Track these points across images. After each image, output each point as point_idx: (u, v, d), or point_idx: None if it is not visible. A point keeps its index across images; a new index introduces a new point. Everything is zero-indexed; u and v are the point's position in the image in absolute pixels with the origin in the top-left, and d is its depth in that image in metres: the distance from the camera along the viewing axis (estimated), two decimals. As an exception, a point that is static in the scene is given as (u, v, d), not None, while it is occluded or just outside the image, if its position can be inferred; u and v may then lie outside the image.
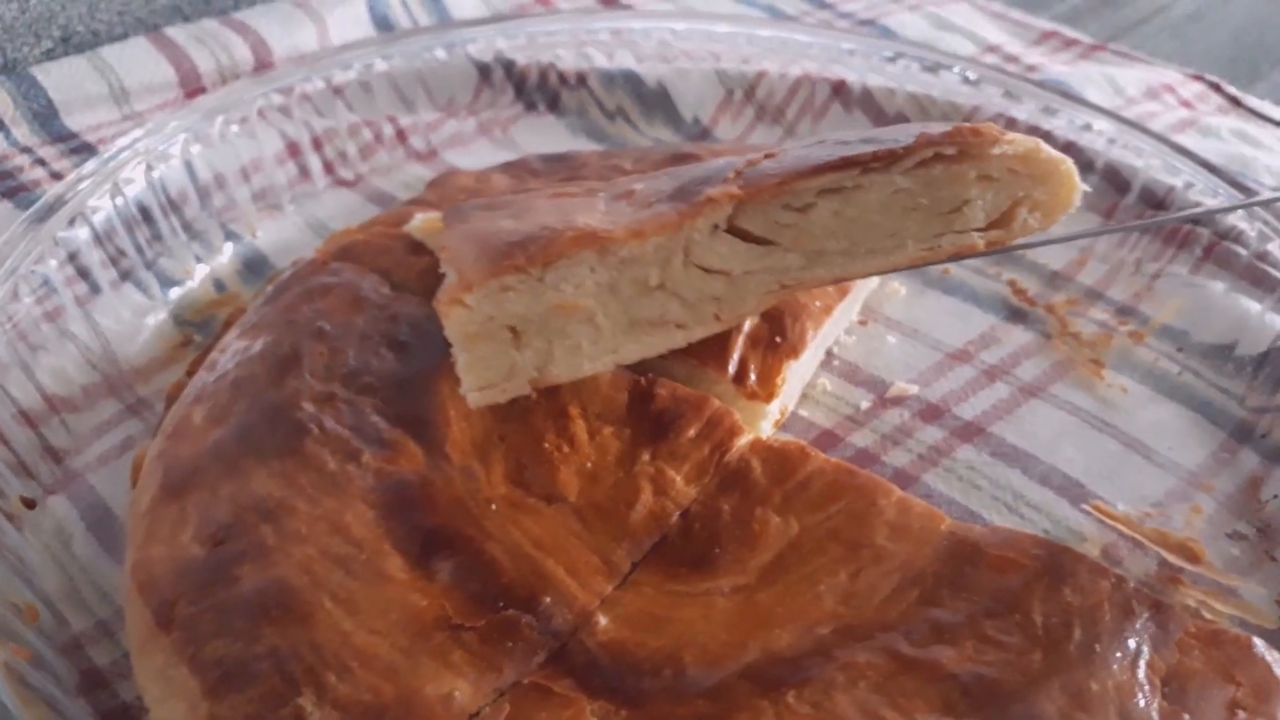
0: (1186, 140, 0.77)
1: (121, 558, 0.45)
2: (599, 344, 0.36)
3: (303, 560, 0.38)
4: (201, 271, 0.59)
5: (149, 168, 0.56)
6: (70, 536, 0.46)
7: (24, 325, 0.49)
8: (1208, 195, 0.59)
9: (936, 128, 0.38)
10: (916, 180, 0.37)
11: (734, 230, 0.36)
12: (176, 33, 0.78)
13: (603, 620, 0.38)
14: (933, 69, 0.68)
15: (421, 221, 0.55)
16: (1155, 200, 0.62)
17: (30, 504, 0.45)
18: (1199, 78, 0.85)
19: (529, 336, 0.35)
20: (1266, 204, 0.53)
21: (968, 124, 0.38)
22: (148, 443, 0.49)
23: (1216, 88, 0.84)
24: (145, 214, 0.57)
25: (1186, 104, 0.82)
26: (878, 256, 0.37)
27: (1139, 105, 0.81)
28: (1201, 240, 0.60)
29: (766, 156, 0.40)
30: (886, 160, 0.36)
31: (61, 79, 0.73)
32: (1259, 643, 0.39)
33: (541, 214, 0.39)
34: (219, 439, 0.43)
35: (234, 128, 0.61)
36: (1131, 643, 0.38)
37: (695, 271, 0.36)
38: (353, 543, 0.39)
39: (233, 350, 0.48)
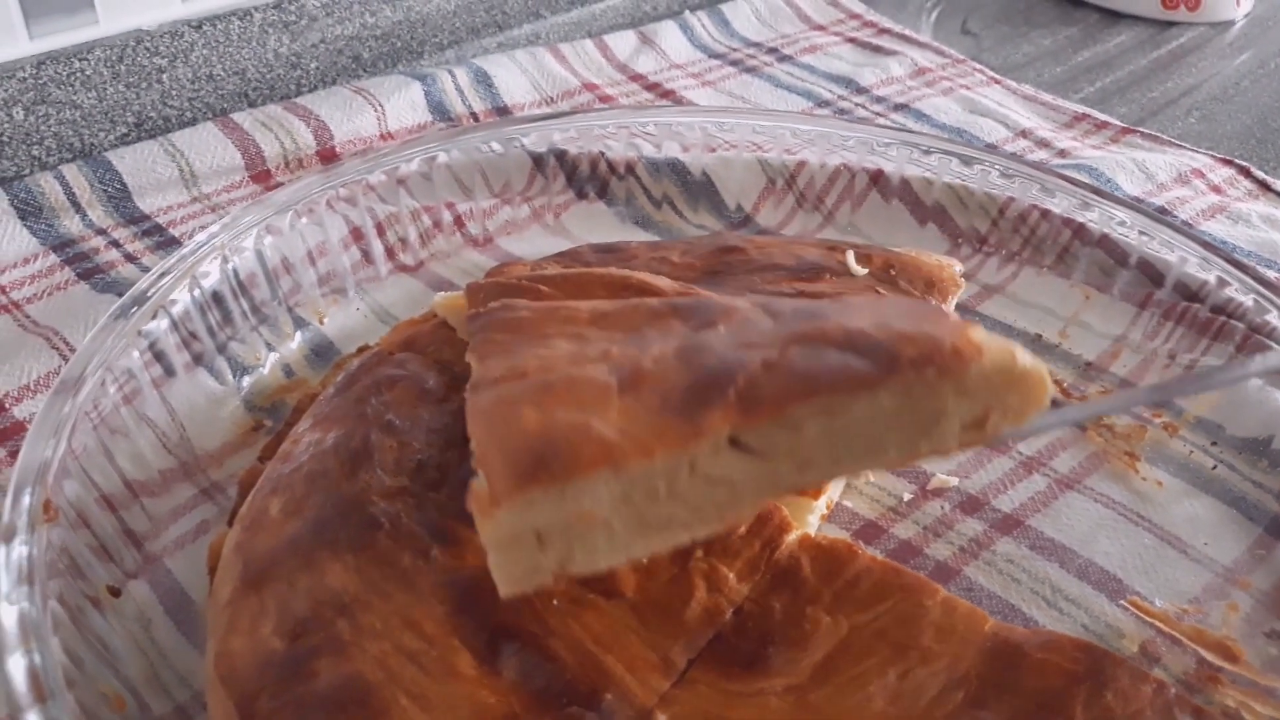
0: (1216, 227, 0.79)
1: (197, 642, 0.48)
2: (614, 545, 0.39)
3: (378, 655, 0.40)
4: (271, 358, 0.62)
5: (224, 260, 0.59)
6: (150, 622, 0.48)
7: (109, 415, 0.51)
8: (1242, 293, 0.61)
9: (910, 339, 0.40)
10: (898, 397, 0.39)
11: (734, 442, 0.39)
12: (243, 118, 0.82)
13: (662, 718, 0.40)
14: (968, 162, 0.71)
15: (444, 299, 0.57)
16: (1189, 293, 0.64)
17: (116, 593, 0.47)
18: (1228, 162, 0.87)
19: (552, 540, 0.38)
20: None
21: (948, 341, 0.40)
22: (223, 529, 0.51)
23: (1246, 172, 0.86)
24: (219, 300, 0.60)
25: (1216, 189, 0.84)
26: (862, 461, 0.41)
27: (1169, 191, 0.83)
28: (1236, 334, 0.62)
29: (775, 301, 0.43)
30: (873, 384, 0.39)
31: (135, 163, 0.77)
32: (1297, 751, 0.40)
33: (557, 364, 0.41)
34: (295, 532, 0.46)
35: (303, 219, 0.64)
36: (1172, 749, 0.39)
37: (700, 482, 0.39)
38: (424, 638, 0.41)
39: (306, 442, 0.51)
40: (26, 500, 0.44)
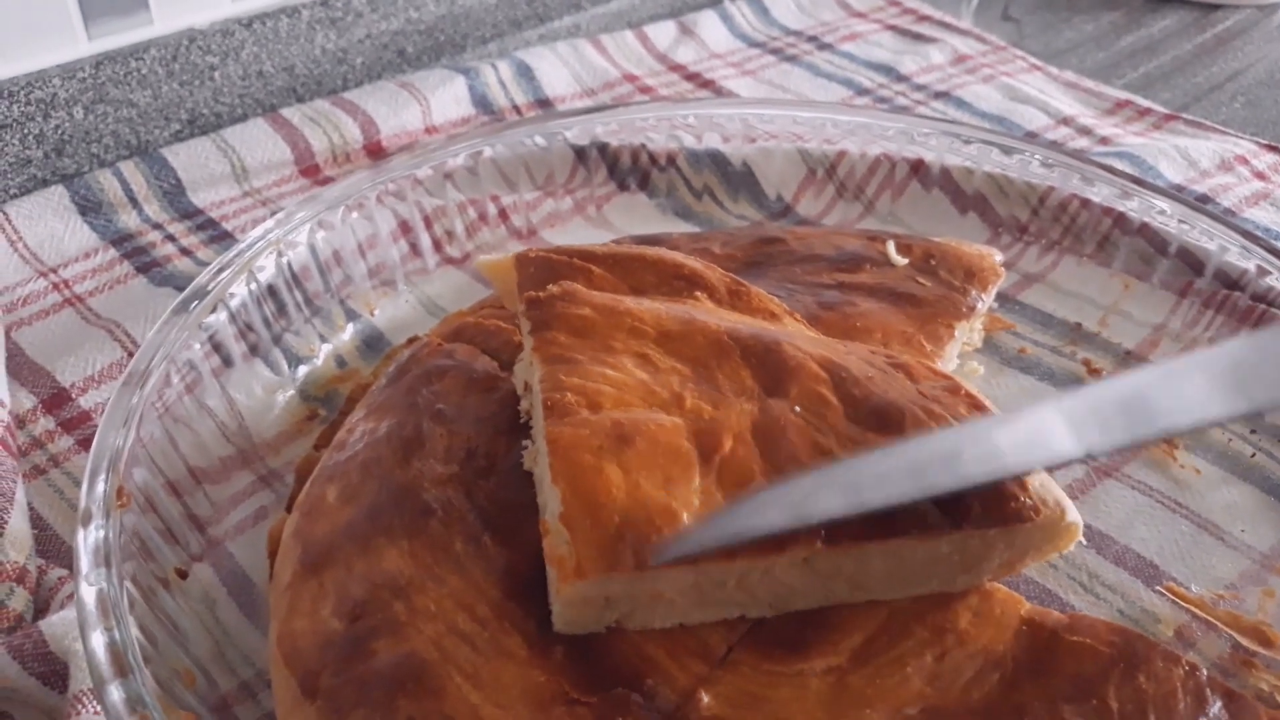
0: (1260, 214, 0.79)
1: (259, 623, 0.50)
2: (672, 615, 0.43)
3: (433, 636, 0.42)
4: (325, 349, 0.64)
5: (279, 254, 0.61)
6: (215, 602, 0.50)
7: (172, 405, 0.54)
8: (1280, 280, 0.61)
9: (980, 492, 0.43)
10: (955, 545, 0.44)
11: (805, 560, 0.42)
12: (292, 113, 0.84)
13: (705, 698, 0.41)
14: (1008, 152, 0.71)
15: (489, 260, 0.57)
16: (1229, 281, 0.64)
17: (183, 574, 0.49)
18: (1273, 148, 0.87)
19: (618, 604, 0.42)
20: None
21: (1012, 504, 0.43)
22: (281, 514, 0.53)
23: (1291, 159, 0.86)
24: (274, 293, 0.62)
25: (1260, 175, 0.84)
26: (907, 589, 0.45)
27: (1212, 178, 0.82)
28: (1275, 320, 0.62)
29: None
30: (939, 535, 0.43)
31: (189, 159, 0.80)
32: (1330, 734, 0.41)
33: (631, 399, 0.44)
34: (351, 518, 0.48)
35: (354, 214, 0.66)
36: (1205, 731, 0.40)
37: (766, 581, 0.43)
38: (477, 620, 0.43)
39: (360, 431, 0.53)
40: (101, 487, 0.46)
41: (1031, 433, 0.43)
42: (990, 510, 0.43)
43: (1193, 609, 0.51)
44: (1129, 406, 0.42)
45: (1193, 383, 0.42)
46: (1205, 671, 0.42)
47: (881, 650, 0.43)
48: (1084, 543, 0.53)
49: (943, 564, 0.44)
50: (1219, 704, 0.41)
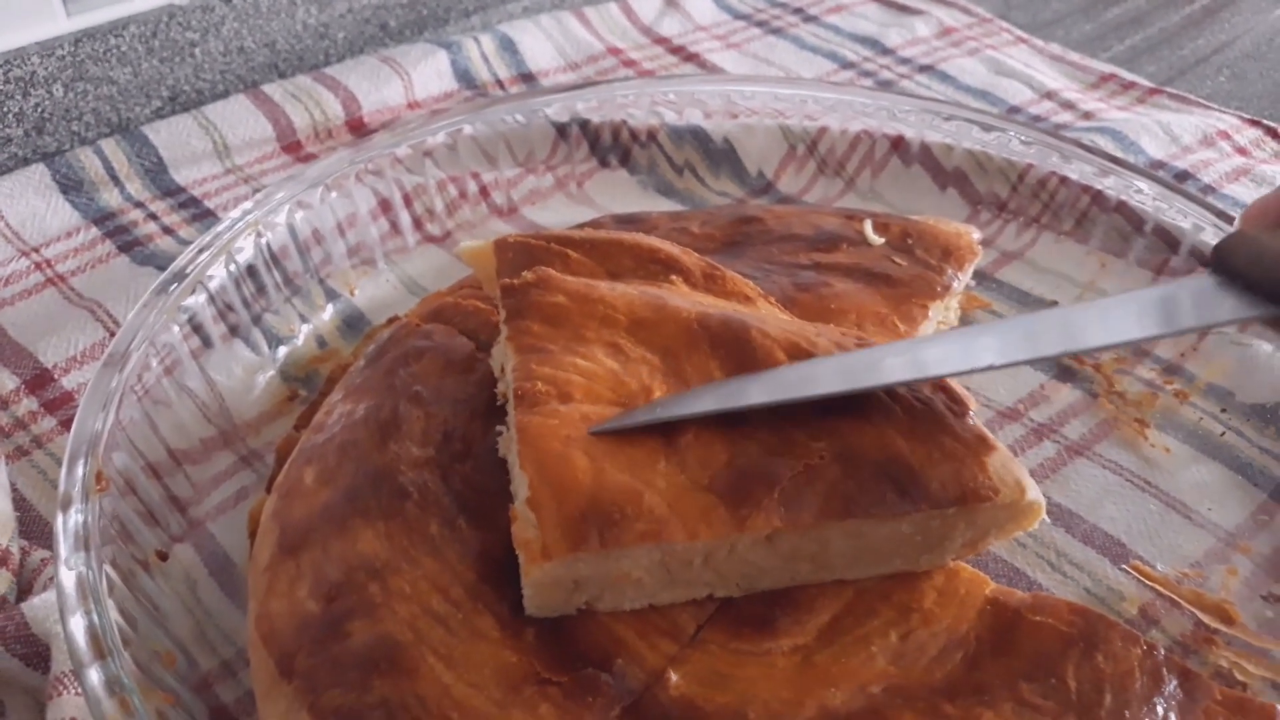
0: (1240, 189, 0.79)
1: (240, 602, 0.51)
2: (640, 595, 0.44)
3: (407, 617, 0.43)
4: (305, 329, 0.64)
5: (259, 235, 0.62)
6: (196, 582, 0.51)
7: (152, 387, 0.54)
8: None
9: (938, 472, 0.44)
10: (917, 525, 0.44)
11: (768, 538, 0.43)
12: (273, 89, 0.84)
13: (674, 677, 0.42)
14: (988, 129, 0.71)
15: (470, 247, 0.57)
16: (1204, 259, 0.65)
17: (164, 556, 0.50)
18: (1256, 123, 0.87)
19: (587, 587, 0.43)
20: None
21: (970, 484, 0.44)
22: (262, 495, 0.54)
23: (1273, 133, 0.86)
24: (253, 274, 0.62)
25: (1242, 151, 0.84)
26: (870, 569, 0.46)
27: (1194, 153, 0.83)
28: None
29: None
30: (900, 516, 0.44)
31: (170, 136, 0.80)
32: (1282, 710, 0.42)
33: (601, 390, 0.45)
34: (328, 500, 0.48)
35: (333, 194, 0.66)
36: (1160, 709, 0.41)
37: (731, 561, 0.44)
38: (451, 602, 0.44)
39: (338, 413, 0.53)
40: (80, 471, 0.47)
41: (958, 346, 0.46)
42: (949, 490, 0.44)
43: (1157, 587, 0.52)
44: (1058, 328, 0.46)
45: (1122, 311, 0.45)
46: (1163, 651, 0.43)
47: (847, 629, 0.44)
48: (1049, 521, 0.54)
49: (905, 544, 0.45)
50: (1174, 683, 0.42)
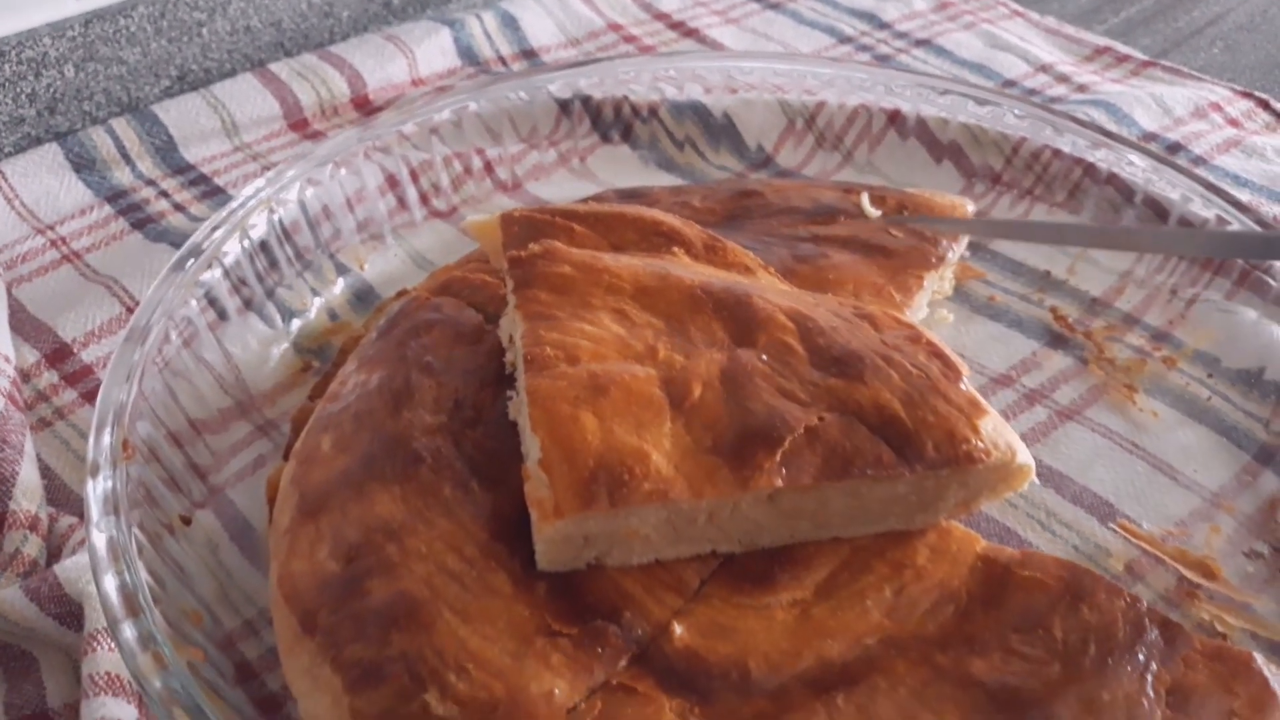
0: (1230, 160, 0.81)
1: (260, 565, 0.53)
2: (647, 551, 0.46)
3: (423, 575, 0.45)
4: (317, 303, 0.66)
5: (271, 211, 0.63)
6: (217, 546, 0.53)
7: (172, 360, 0.56)
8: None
9: (932, 431, 0.46)
10: (912, 485, 0.46)
11: (770, 497, 0.45)
12: (280, 68, 0.85)
13: (678, 629, 0.44)
14: (982, 103, 0.73)
15: (476, 221, 0.59)
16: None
17: (187, 520, 0.52)
18: (1248, 94, 0.88)
19: (596, 543, 0.45)
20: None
21: (963, 447, 0.46)
22: (279, 462, 0.56)
23: (1265, 105, 0.87)
24: (266, 249, 0.64)
25: (1234, 122, 0.85)
26: (867, 527, 0.48)
27: (1186, 125, 0.84)
28: (1235, 268, 0.64)
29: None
30: (896, 477, 0.46)
31: (179, 115, 0.81)
32: (1258, 658, 0.44)
33: (607, 352, 0.47)
34: (346, 466, 0.50)
35: (343, 170, 0.67)
36: (1141, 657, 0.43)
37: (735, 518, 0.46)
38: (465, 560, 0.46)
39: (352, 383, 0.55)
40: (107, 440, 0.48)
41: None
42: (943, 452, 0.46)
43: (1143, 545, 0.54)
44: None
45: None
46: (1145, 603, 0.45)
47: (844, 584, 0.46)
48: (1038, 482, 0.56)
49: (900, 503, 0.47)
50: (1155, 633, 0.44)
